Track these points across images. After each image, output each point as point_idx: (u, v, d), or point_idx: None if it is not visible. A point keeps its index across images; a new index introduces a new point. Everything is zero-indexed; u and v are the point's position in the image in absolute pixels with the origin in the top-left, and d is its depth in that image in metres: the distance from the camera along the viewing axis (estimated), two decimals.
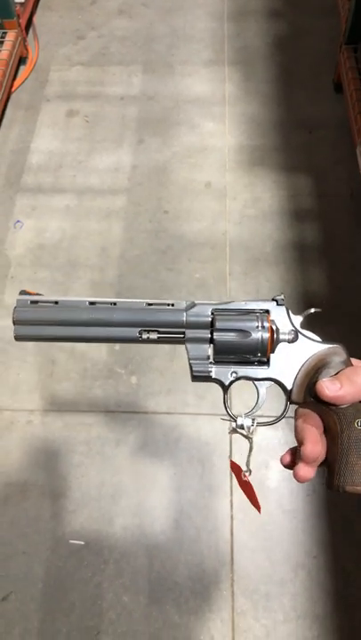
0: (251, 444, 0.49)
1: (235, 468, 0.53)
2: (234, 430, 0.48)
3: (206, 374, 0.48)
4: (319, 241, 1.76)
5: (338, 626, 1.19)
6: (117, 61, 2.34)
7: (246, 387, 0.50)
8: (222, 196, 1.88)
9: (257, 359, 0.47)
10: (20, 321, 0.49)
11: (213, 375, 0.48)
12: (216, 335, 0.47)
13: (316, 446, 0.44)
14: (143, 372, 1.53)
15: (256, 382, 0.48)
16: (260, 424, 0.48)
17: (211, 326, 0.48)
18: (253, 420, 0.48)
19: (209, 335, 0.48)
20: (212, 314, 0.48)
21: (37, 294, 0.50)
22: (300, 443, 0.45)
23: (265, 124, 2.08)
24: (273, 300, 0.49)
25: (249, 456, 0.50)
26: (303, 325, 0.49)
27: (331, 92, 2.13)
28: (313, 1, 2.47)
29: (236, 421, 0.48)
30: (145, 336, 0.48)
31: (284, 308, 0.48)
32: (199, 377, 0.48)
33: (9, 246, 1.80)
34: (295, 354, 0.47)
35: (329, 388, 0.44)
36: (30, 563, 1.27)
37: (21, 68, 2.30)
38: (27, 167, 2.00)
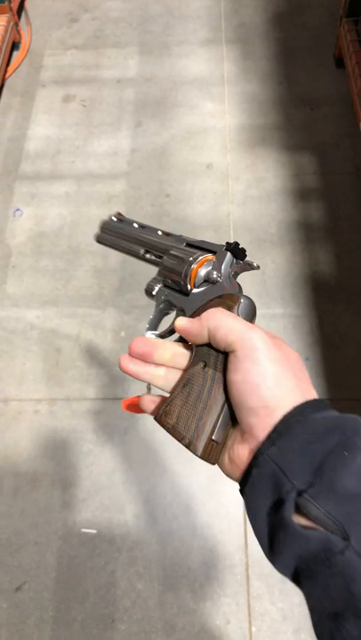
0: None
1: (132, 406, 0.50)
2: None
3: (151, 290, 0.54)
4: (325, 220, 1.72)
5: None
6: (113, 44, 2.29)
7: None
8: (225, 178, 1.84)
9: (182, 287, 0.50)
10: (103, 229, 0.63)
11: (154, 292, 0.53)
12: (164, 260, 0.53)
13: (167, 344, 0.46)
14: None
15: (175, 308, 0.52)
16: (155, 334, 0.51)
17: None
18: (155, 336, 0.51)
19: None
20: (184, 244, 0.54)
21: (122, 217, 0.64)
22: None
23: (265, 103, 2.04)
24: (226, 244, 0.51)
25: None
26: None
27: (332, 68, 2.08)
28: None
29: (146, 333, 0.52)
30: (147, 255, 0.57)
31: (227, 254, 0.49)
32: (147, 291, 0.54)
33: (9, 235, 1.77)
34: (208, 293, 0.48)
35: (179, 320, 0.45)
36: (43, 552, 1.26)
37: (15, 53, 2.26)
38: (24, 154, 1.96)
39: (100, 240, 0.64)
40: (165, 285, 0.53)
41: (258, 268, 0.49)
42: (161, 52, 2.25)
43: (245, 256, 0.49)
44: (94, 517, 1.30)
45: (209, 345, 0.43)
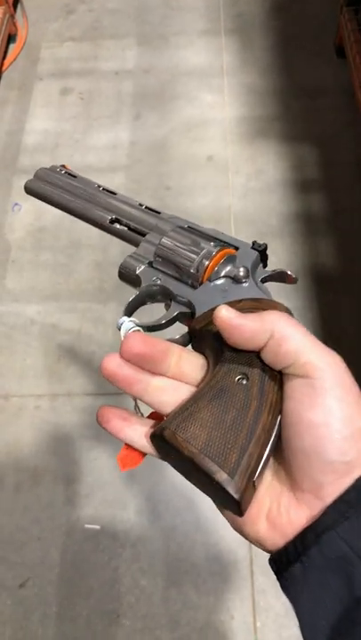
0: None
1: (129, 457, 0.39)
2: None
3: (132, 270, 0.44)
4: (326, 211, 1.71)
5: None
6: (110, 35, 2.27)
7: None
8: (225, 170, 1.83)
9: (190, 277, 0.41)
10: (38, 177, 0.55)
11: (137, 272, 0.44)
12: (165, 239, 0.44)
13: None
14: None
15: (170, 299, 0.42)
16: (139, 325, 0.39)
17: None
18: (136, 325, 0.39)
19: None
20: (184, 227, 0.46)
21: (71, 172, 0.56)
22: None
23: (265, 94, 2.01)
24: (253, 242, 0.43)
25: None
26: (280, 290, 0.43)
27: (332, 57, 2.06)
28: None
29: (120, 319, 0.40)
30: (116, 226, 0.49)
31: (254, 253, 0.41)
32: (125, 271, 0.45)
33: (8, 230, 1.75)
34: (231, 291, 0.39)
35: (225, 309, 0.32)
36: (46, 548, 1.26)
37: (11, 46, 2.23)
38: (22, 148, 1.95)
39: (31, 190, 0.53)
40: (153, 267, 0.44)
41: (296, 280, 0.41)
42: (159, 43, 2.22)
43: (266, 264, 0.43)
44: (97, 513, 1.30)
45: (256, 353, 0.33)
